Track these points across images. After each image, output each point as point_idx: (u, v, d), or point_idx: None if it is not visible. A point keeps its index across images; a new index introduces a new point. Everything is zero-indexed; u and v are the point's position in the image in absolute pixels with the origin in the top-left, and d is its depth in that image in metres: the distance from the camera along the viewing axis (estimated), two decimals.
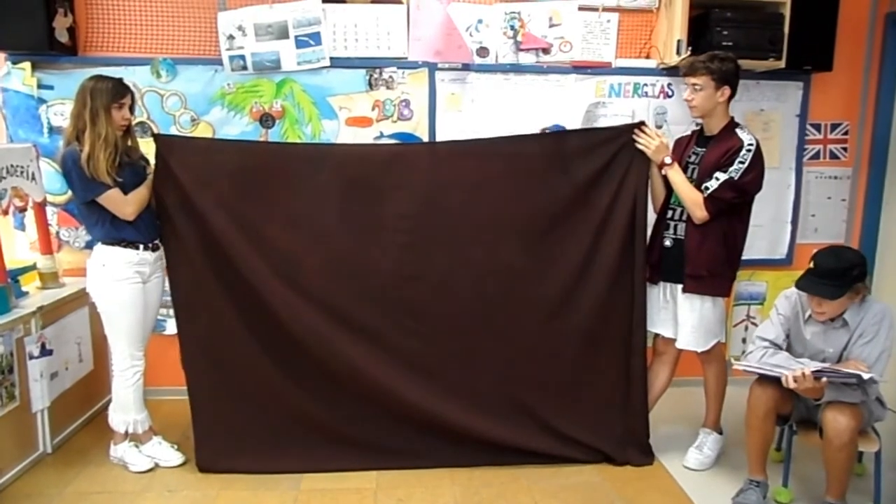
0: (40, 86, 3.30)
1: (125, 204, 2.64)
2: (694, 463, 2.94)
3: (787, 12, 3.29)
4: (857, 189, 3.80)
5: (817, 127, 3.73)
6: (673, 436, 3.15)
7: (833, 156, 3.78)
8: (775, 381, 2.45)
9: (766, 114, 3.65)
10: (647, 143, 2.78)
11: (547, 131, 2.82)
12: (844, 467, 2.39)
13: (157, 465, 2.87)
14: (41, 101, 3.31)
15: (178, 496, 2.67)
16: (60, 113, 3.28)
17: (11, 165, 2.88)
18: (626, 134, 2.83)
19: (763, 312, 3.78)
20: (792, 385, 2.33)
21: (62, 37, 3.20)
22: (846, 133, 3.76)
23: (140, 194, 2.69)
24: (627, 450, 2.93)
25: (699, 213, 2.72)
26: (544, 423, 2.89)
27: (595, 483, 2.80)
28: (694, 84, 2.73)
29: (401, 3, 3.41)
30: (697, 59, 2.75)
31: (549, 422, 2.89)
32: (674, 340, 2.92)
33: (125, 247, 2.71)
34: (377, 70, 3.44)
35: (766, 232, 3.70)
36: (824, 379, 2.32)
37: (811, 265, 2.47)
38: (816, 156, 3.76)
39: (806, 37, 3.33)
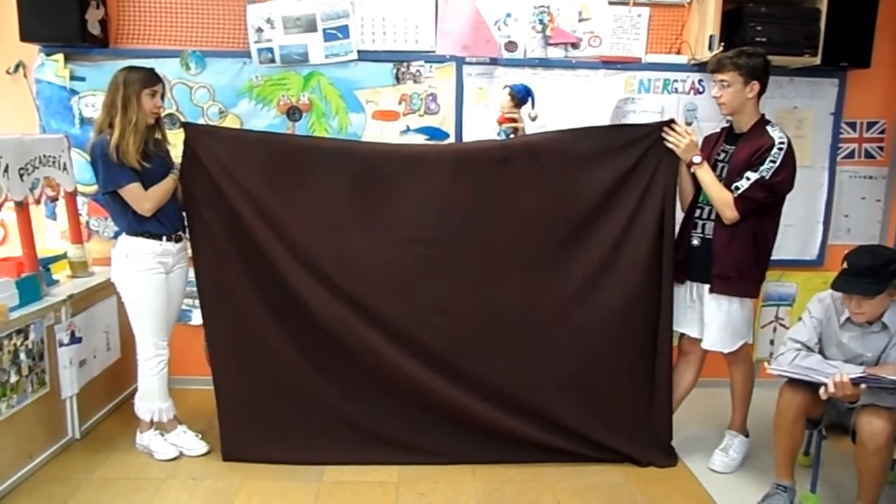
0: (73, 77, 3.35)
1: (143, 199, 2.67)
2: (719, 465, 2.90)
3: (823, 7, 3.21)
4: (893, 189, 3.70)
5: (852, 125, 3.64)
6: (698, 437, 3.12)
7: (868, 155, 3.69)
8: (806, 384, 2.41)
9: (800, 111, 3.58)
10: (677, 140, 2.73)
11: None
12: (878, 473, 2.33)
13: (181, 454, 2.90)
14: (73, 92, 3.36)
15: (202, 485, 2.70)
16: (92, 104, 3.33)
17: (44, 156, 2.92)
18: (655, 132, 2.78)
19: (792, 314, 3.71)
20: (830, 393, 2.29)
21: (94, 29, 3.25)
22: (883, 132, 3.67)
23: (160, 190, 2.71)
24: (651, 450, 2.90)
25: (729, 213, 2.67)
26: (568, 422, 2.86)
27: (618, 483, 2.78)
28: (722, 80, 2.69)
29: None
30: (725, 55, 2.71)
31: (573, 420, 2.87)
32: (700, 341, 2.88)
33: (148, 238, 2.74)
34: (404, 64, 3.43)
35: (796, 232, 3.63)
36: (863, 385, 2.27)
37: (845, 265, 2.42)
38: (851, 155, 3.67)
39: (843, 32, 3.25)
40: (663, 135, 2.76)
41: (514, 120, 2.88)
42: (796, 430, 2.51)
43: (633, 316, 2.84)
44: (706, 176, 2.73)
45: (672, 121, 2.79)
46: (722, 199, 2.68)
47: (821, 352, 2.54)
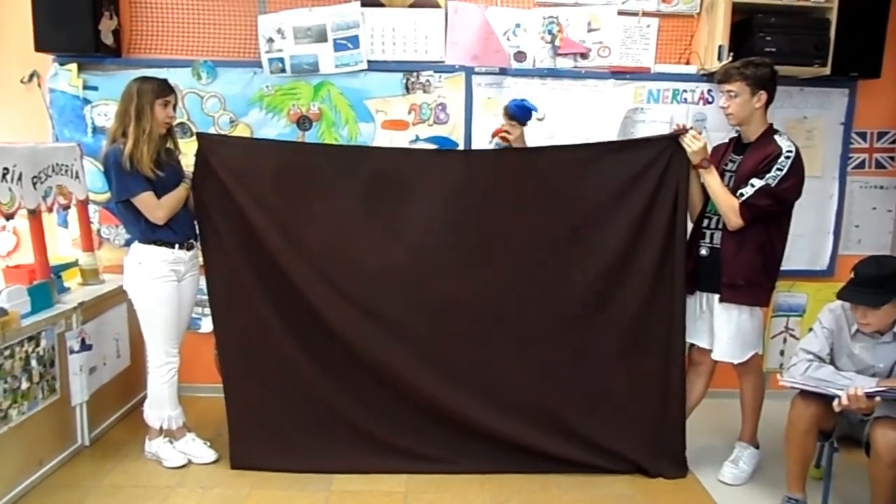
0: (86, 86, 3.38)
1: (156, 208, 2.69)
2: (729, 477, 2.88)
3: (833, 17, 3.21)
4: None
5: (863, 135, 3.63)
6: (708, 449, 3.09)
7: (879, 165, 3.67)
8: (818, 396, 2.39)
9: (810, 121, 3.57)
10: (690, 142, 2.73)
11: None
12: (893, 486, 2.30)
13: (190, 462, 2.91)
14: (86, 101, 3.39)
15: (210, 493, 2.71)
16: (104, 113, 3.36)
17: (57, 164, 2.95)
18: (665, 140, 2.79)
19: (803, 325, 3.69)
20: (844, 406, 2.27)
21: (107, 39, 3.28)
22: (894, 142, 3.65)
23: (173, 198, 2.74)
24: (661, 461, 2.88)
25: (734, 219, 2.67)
26: (577, 432, 2.86)
27: (627, 495, 2.76)
28: (729, 91, 2.69)
29: (439, 6, 3.42)
30: (732, 66, 2.72)
31: (582, 431, 2.86)
32: (710, 351, 2.87)
33: (161, 245, 2.76)
34: (414, 74, 3.45)
35: (806, 242, 3.62)
36: (878, 398, 2.26)
37: (852, 275, 2.42)
38: (861, 165, 3.66)
39: (853, 42, 3.24)
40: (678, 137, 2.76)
41: (506, 132, 2.83)
42: (808, 442, 2.49)
43: (645, 325, 2.84)
44: (713, 181, 2.73)
45: (685, 130, 2.77)
46: (728, 205, 2.68)
47: (832, 362, 2.52)
